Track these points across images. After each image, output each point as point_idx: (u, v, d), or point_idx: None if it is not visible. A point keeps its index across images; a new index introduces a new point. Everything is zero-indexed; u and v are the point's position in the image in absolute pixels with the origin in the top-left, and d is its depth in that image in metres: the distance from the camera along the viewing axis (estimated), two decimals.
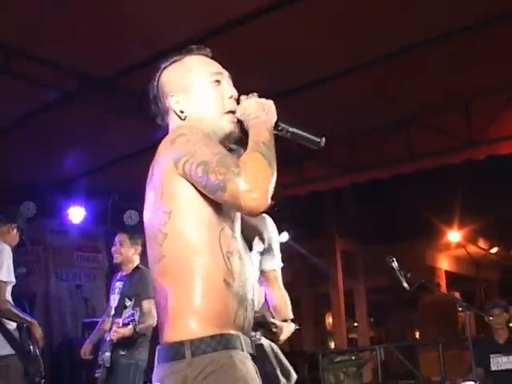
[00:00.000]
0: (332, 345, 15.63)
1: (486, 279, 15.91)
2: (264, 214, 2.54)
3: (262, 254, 2.60)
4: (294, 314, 2.65)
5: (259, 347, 2.31)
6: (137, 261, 4.53)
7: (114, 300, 4.40)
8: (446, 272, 15.12)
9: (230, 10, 4.59)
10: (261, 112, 1.64)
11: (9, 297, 3.99)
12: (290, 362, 2.56)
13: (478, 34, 5.23)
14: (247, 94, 1.71)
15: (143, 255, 4.48)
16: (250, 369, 1.52)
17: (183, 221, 1.53)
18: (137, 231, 4.63)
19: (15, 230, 4.23)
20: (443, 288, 13.97)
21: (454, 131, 6.79)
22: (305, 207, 10.86)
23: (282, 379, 2.46)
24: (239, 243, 1.63)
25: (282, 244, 2.98)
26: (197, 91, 1.68)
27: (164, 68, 1.74)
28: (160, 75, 1.74)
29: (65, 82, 5.36)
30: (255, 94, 1.70)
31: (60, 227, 8.02)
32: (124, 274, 4.53)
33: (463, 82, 6.00)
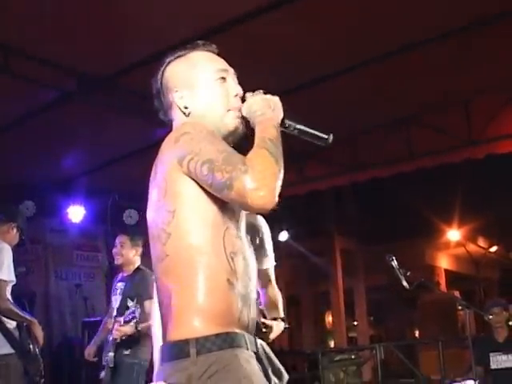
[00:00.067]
0: (332, 343, 15.64)
1: (486, 278, 15.93)
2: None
3: (254, 252, 2.60)
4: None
5: None
6: (138, 262, 4.54)
7: (116, 301, 4.41)
8: (446, 271, 15.14)
9: (230, 8, 4.59)
10: (267, 109, 1.61)
11: (9, 296, 3.99)
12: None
13: (478, 33, 5.23)
14: (247, 92, 1.70)
15: (143, 255, 4.49)
16: (254, 368, 1.51)
17: (187, 220, 1.51)
18: (137, 232, 4.65)
19: (15, 230, 4.23)
20: (443, 287, 13.99)
21: (453, 130, 6.79)
22: (305, 206, 10.87)
23: (274, 379, 2.46)
24: (244, 243, 1.61)
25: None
26: (202, 87, 1.66)
27: (169, 62, 1.72)
28: (164, 69, 1.72)
29: (64, 81, 5.36)
30: (261, 90, 1.68)
31: (60, 226, 8.02)
32: (125, 274, 4.54)
33: (463, 81, 6.00)
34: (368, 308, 14.18)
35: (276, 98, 1.65)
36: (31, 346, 4.01)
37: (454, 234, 13.25)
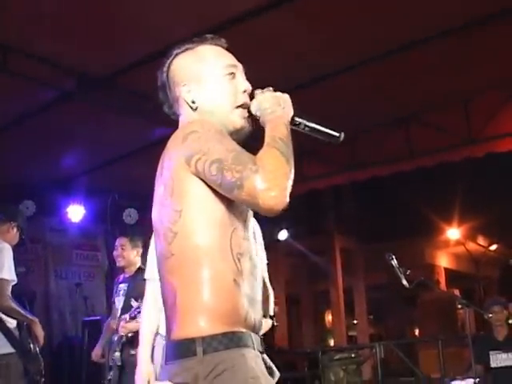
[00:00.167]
0: (332, 342, 15.65)
1: (486, 276, 15.93)
2: None
3: None
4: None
5: None
6: (139, 262, 4.55)
7: (120, 302, 4.42)
8: (446, 269, 15.15)
9: (229, 7, 4.59)
10: (277, 106, 1.58)
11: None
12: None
13: (478, 32, 5.23)
14: (256, 89, 1.66)
15: (144, 255, 4.50)
16: (261, 367, 1.50)
17: (194, 220, 1.49)
18: (136, 233, 4.68)
19: (15, 229, 4.23)
20: (443, 285, 14.00)
21: (453, 129, 6.79)
22: (304, 205, 10.86)
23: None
24: (251, 244, 1.58)
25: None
26: (210, 83, 1.62)
27: (176, 54, 1.67)
28: (171, 62, 1.67)
29: (64, 80, 5.36)
30: (270, 88, 1.65)
31: (59, 226, 8.02)
32: (127, 275, 4.56)
33: (463, 79, 6.00)
34: (368, 307, 14.19)
35: (286, 96, 1.62)
36: (31, 346, 4.00)
37: (453, 233, 13.26)
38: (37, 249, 7.87)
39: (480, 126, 6.67)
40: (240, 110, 1.63)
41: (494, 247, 15.01)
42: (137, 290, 4.36)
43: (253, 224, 2.65)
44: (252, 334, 1.51)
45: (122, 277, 4.63)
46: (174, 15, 4.58)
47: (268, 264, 2.69)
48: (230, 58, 1.68)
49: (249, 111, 1.64)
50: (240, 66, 1.68)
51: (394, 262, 4.12)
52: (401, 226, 11.91)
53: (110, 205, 6.58)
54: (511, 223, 11.93)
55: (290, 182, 1.43)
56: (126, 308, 4.29)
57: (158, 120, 5.30)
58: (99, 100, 5.65)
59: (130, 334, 4.13)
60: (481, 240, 14.83)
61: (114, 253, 4.61)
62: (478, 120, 6.68)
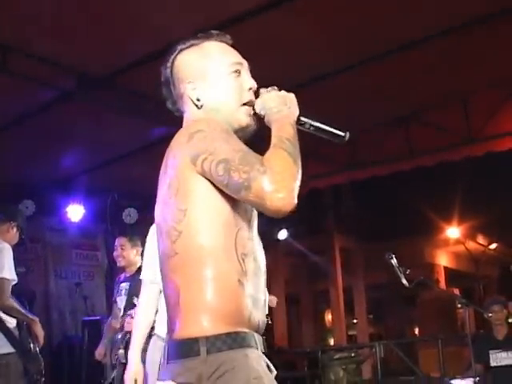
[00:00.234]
0: (331, 342, 15.66)
1: (485, 275, 15.94)
2: None
3: None
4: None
5: None
6: (139, 261, 4.56)
7: (122, 301, 4.42)
8: (445, 268, 15.15)
9: (229, 7, 4.59)
10: (283, 106, 1.56)
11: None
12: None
13: (477, 31, 5.23)
14: (262, 88, 1.65)
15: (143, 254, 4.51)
16: (264, 368, 1.49)
17: (198, 220, 1.47)
18: (135, 232, 4.69)
19: (15, 229, 4.23)
20: (442, 284, 13.99)
21: (453, 128, 6.80)
22: (304, 204, 10.85)
23: None
24: (255, 244, 1.57)
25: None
26: (215, 80, 1.61)
27: (180, 50, 1.65)
28: (175, 58, 1.65)
29: (63, 80, 5.36)
30: (275, 87, 1.63)
31: (59, 225, 8.02)
32: (128, 275, 4.57)
33: (462, 79, 6.00)
34: (367, 306, 14.19)
35: (291, 95, 1.60)
36: (31, 345, 4.01)
37: (453, 232, 13.27)
38: (36, 248, 7.87)
39: (480, 125, 6.68)
40: (245, 107, 1.61)
41: (493, 246, 15.01)
42: (139, 289, 4.38)
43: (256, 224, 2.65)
44: (255, 335, 1.50)
45: (122, 276, 4.64)
46: (173, 15, 4.58)
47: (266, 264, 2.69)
48: (235, 56, 1.66)
49: (253, 110, 1.62)
50: (245, 63, 1.66)
51: (394, 262, 4.12)
52: (400, 226, 11.91)
53: (110, 204, 6.59)
54: (511, 222, 11.94)
55: (298, 183, 1.41)
56: (129, 306, 4.30)
57: (158, 120, 5.31)
58: (99, 100, 5.65)
59: None
60: (480, 239, 14.84)
61: (114, 253, 4.62)
62: (477, 119, 6.68)
